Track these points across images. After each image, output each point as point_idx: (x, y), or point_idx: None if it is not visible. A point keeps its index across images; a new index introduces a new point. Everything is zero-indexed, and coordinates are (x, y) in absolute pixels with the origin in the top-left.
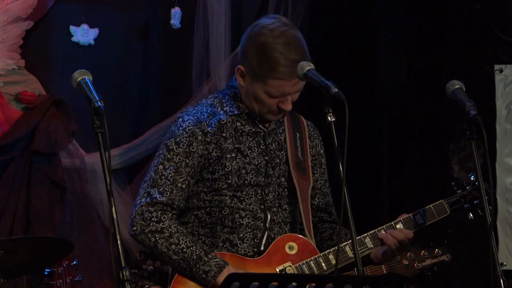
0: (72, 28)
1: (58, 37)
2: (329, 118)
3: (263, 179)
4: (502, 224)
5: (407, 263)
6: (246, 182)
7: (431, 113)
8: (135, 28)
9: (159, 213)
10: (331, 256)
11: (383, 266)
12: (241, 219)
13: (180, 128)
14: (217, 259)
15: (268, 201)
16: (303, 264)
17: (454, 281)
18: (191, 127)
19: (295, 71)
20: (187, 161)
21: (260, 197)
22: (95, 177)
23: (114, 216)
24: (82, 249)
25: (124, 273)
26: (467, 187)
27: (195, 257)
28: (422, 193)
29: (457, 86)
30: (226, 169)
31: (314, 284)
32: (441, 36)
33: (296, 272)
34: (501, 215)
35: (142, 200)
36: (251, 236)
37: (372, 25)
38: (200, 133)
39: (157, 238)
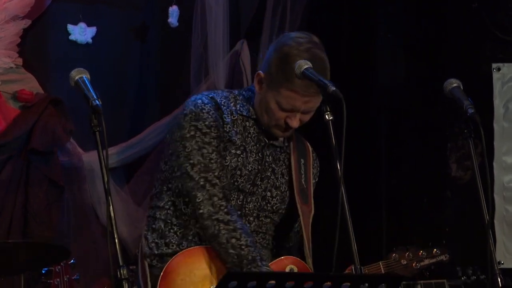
0: (70, 27)
1: (56, 35)
2: (326, 116)
3: (249, 186)
4: (500, 223)
5: (405, 263)
6: (235, 184)
7: (429, 112)
8: (133, 26)
9: (229, 205)
10: None
11: (381, 266)
12: None
13: (204, 111)
14: (268, 268)
15: (247, 209)
16: None
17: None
18: (213, 112)
19: (310, 89)
20: (221, 145)
21: (240, 203)
22: (93, 175)
23: (112, 214)
24: (80, 247)
25: (121, 271)
26: (472, 277)
27: (250, 257)
28: (420, 192)
29: (455, 85)
30: (225, 162)
31: (312, 283)
32: (439, 35)
33: None
34: (499, 214)
35: (202, 183)
36: None
37: (371, 24)
38: (220, 118)
39: (221, 228)
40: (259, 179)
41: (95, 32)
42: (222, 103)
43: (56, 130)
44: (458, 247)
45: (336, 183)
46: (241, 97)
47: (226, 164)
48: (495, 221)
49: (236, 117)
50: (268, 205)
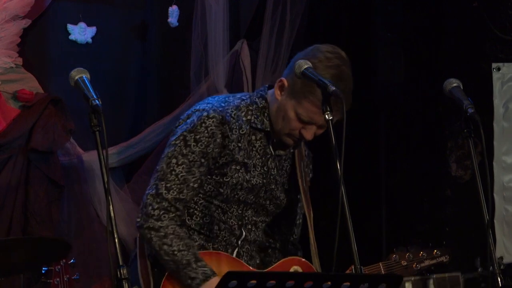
0: (70, 27)
1: (56, 35)
2: (326, 116)
3: (252, 197)
4: (500, 222)
5: (405, 263)
6: (236, 197)
7: (428, 112)
8: (133, 26)
9: (161, 212)
10: None
11: (381, 266)
12: (218, 231)
13: (203, 124)
14: (205, 268)
15: (246, 218)
16: None
17: None
18: (213, 128)
19: (333, 105)
20: (202, 161)
21: (240, 212)
22: (92, 175)
23: (112, 214)
24: (80, 247)
25: (121, 271)
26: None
27: (184, 261)
28: (420, 192)
29: (454, 85)
30: (225, 178)
31: (311, 283)
32: (438, 34)
33: None
34: (499, 213)
35: (149, 191)
36: (223, 250)
37: (370, 24)
38: (220, 135)
39: (152, 236)
40: (263, 192)
41: (95, 32)
42: (232, 115)
43: (56, 129)
44: (458, 246)
45: (336, 183)
46: (254, 106)
47: (227, 180)
48: (495, 221)
49: (244, 131)
50: (264, 210)
